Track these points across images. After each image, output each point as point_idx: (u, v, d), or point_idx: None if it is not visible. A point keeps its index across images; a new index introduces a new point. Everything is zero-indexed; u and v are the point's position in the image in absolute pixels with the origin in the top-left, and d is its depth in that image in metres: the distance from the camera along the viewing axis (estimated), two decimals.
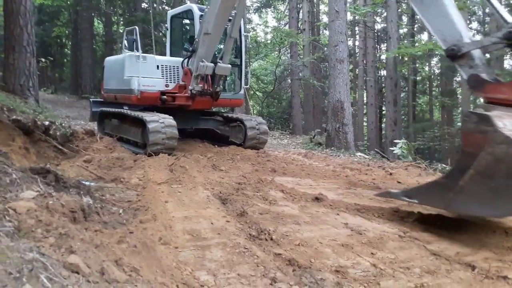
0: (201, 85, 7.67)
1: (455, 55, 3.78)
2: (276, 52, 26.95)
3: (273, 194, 4.90)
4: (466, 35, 3.79)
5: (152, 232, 3.04)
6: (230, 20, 7.66)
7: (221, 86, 8.03)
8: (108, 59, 9.56)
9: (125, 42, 8.05)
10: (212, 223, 3.59)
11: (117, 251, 2.28)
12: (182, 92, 7.90)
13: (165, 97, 7.84)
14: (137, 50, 7.72)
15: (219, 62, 7.73)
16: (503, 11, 3.54)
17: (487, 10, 21.95)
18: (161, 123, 6.96)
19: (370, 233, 3.59)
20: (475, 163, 3.09)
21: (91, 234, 2.50)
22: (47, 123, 7.05)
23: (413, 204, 4.19)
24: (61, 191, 3.21)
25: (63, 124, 7.92)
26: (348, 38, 19.94)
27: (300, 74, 21.99)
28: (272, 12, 32.63)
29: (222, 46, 8.18)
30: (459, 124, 23.31)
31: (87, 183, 4.49)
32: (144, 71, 7.75)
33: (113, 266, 2.04)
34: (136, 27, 7.99)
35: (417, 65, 26.41)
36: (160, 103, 7.86)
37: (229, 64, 8.07)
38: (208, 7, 7.40)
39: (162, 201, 4.14)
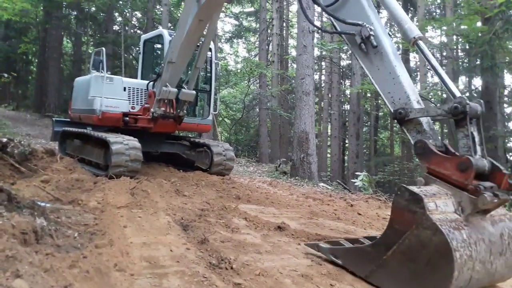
0: (163, 109, 7.64)
1: (402, 119, 3.68)
2: (246, 81, 27.39)
3: (236, 221, 4.87)
4: (415, 98, 3.75)
5: (107, 258, 2.94)
6: (197, 47, 7.73)
7: (185, 111, 8.00)
8: (78, 79, 9.46)
9: (92, 62, 8.00)
10: (171, 250, 3.51)
11: (68, 276, 2.19)
12: (146, 115, 7.85)
13: (127, 118, 7.78)
14: (103, 71, 7.68)
15: (184, 88, 7.77)
16: (452, 85, 3.56)
17: (444, 53, 23.40)
18: (125, 145, 6.83)
19: (329, 264, 3.61)
20: (400, 241, 3.06)
21: (42, 257, 2.39)
22: (4, 140, 6.75)
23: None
24: (13, 211, 3.07)
25: (22, 142, 7.60)
26: (315, 72, 20.61)
27: (268, 104, 22.37)
28: (243, 43, 33.40)
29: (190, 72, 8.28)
30: (418, 160, 24.21)
31: (42, 204, 4.30)
32: (109, 92, 7.69)
33: None
34: (103, 48, 7.98)
35: (379, 101, 27.50)
36: (122, 124, 7.80)
37: (195, 90, 8.14)
38: (174, 35, 7.51)
39: (121, 226, 4.02)
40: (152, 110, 7.68)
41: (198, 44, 7.71)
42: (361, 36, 4.02)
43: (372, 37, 3.94)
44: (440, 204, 3.01)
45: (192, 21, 6.86)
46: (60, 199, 5.06)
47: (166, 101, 7.63)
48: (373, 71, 4.05)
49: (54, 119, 10.24)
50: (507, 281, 3.38)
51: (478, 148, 3.23)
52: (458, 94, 3.44)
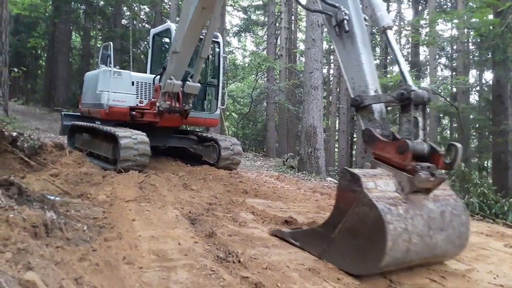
0: (168, 102, 7.62)
1: (358, 106, 3.88)
2: (253, 76, 27.33)
3: (244, 215, 4.89)
4: (373, 87, 3.89)
5: (116, 251, 2.97)
6: (201, 39, 7.67)
7: (191, 105, 7.96)
8: (87, 73, 9.55)
9: (100, 56, 8.04)
10: (179, 244, 3.53)
11: (78, 269, 2.21)
12: (152, 109, 7.87)
13: (134, 113, 7.81)
14: (110, 65, 7.71)
15: (189, 81, 7.73)
16: (408, 75, 3.72)
17: (454, 47, 23.12)
18: (133, 139, 6.88)
19: None
20: (344, 219, 3.31)
21: (52, 250, 2.42)
22: (14, 134, 6.83)
23: None
24: (24, 205, 3.11)
25: (32, 136, 7.69)
26: (323, 66, 20.47)
27: (276, 98, 22.32)
28: (251, 36, 33.27)
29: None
30: None
31: (52, 197, 4.36)
32: (117, 87, 7.72)
33: (72, 285, 1.98)
34: (111, 43, 8.00)
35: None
36: (129, 118, 7.82)
37: (203, 84, 8.12)
38: (177, 25, 7.48)
39: (129, 219, 4.05)
40: (157, 104, 7.68)
41: (202, 36, 7.64)
42: (336, 19, 4.17)
43: (345, 22, 4.10)
44: (381, 184, 3.29)
45: (194, 9, 6.79)
46: (69, 193, 5.12)
47: (171, 94, 7.61)
48: (343, 54, 4.22)
49: (63, 113, 10.33)
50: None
51: (421, 132, 3.49)
52: (410, 83, 3.61)
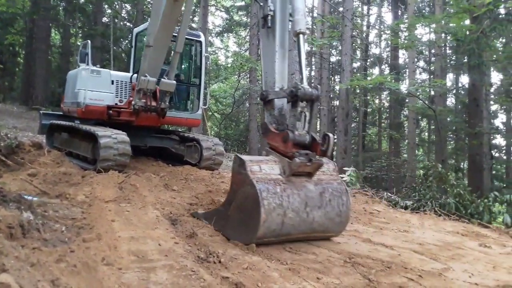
0: (144, 101, 7.40)
1: (264, 100, 4.31)
2: (236, 76, 27.30)
3: None
4: (279, 85, 4.30)
5: (95, 252, 2.93)
6: (174, 36, 7.49)
7: (167, 103, 7.70)
8: (70, 72, 9.43)
9: (79, 55, 7.92)
10: (159, 244, 3.51)
11: (55, 271, 2.18)
12: (129, 108, 7.74)
13: (110, 111, 7.69)
14: (88, 64, 7.61)
15: (164, 78, 7.49)
16: (305, 75, 4.18)
17: (432, 51, 23.64)
18: (113, 139, 6.78)
19: (317, 257, 3.66)
20: (236, 197, 3.90)
21: (28, 251, 2.37)
22: None
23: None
24: None
25: (9, 135, 7.53)
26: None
27: (258, 99, 22.33)
28: (234, 37, 33.24)
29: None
30: (405, 155, 24.52)
31: (29, 197, 4.27)
32: (95, 85, 7.61)
33: (49, 287, 1.95)
34: (89, 41, 7.91)
35: (368, 97, 27.70)
36: (107, 117, 7.70)
37: (185, 84, 8.00)
38: (149, 18, 7.36)
39: (109, 220, 4.00)
40: (132, 102, 7.52)
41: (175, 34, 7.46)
42: (263, 11, 4.50)
43: (269, 17, 4.44)
44: (265, 168, 3.83)
45: (166, 1, 6.58)
46: (48, 193, 5.03)
47: (147, 92, 7.36)
48: (263, 46, 4.67)
49: (41, 112, 10.12)
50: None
51: (307, 125, 3.99)
52: (304, 83, 4.05)
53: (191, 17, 29.09)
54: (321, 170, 4.09)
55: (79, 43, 22.22)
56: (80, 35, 25.44)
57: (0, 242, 2.11)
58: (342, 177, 10.08)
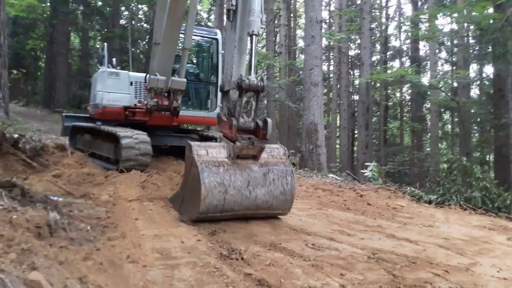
0: (155, 100, 7.35)
1: (221, 91, 4.80)
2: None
3: None
4: (234, 78, 4.57)
5: (120, 250, 2.98)
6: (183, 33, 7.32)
7: (179, 102, 7.54)
8: (94, 75, 9.59)
9: (97, 58, 8.09)
10: (182, 242, 3.54)
11: (82, 269, 2.22)
12: (143, 108, 7.74)
13: (126, 112, 7.79)
14: (105, 65, 7.77)
15: (175, 76, 7.37)
16: (253, 69, 4.46)
17: (455, 42, 23.06)
18: (134, 139, 6.87)
19: (340, 253, 3.63)
20: (187, 179, 4.38)
21: (56, 250, 2.43)
22: (16, 136, 6.84)
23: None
24: (27, 206, 3.12)
25: (33, 138, 7.70)
26: (323, 63, 20.44)
27: (276, 96, 22.28)
28: None
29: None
30: (428, 149, 24.05)
31: (55, 198, 4.37)
32: (114, 87, 7.74)
33: (77, 284, 1.99)
34: (105, 44, 8.03)
35: (389, 91, 27.26)
36: (124, 118, 7.81)
37: (202, 82, 7.95)
38: (155, 15, 7.32)
39: (132, 219, 4.07)
40: (144, 102, 7.55)
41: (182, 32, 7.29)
42: (227, 4, 4.83)
43: (231, 12, 4.74)
44: (213, 152, 4.25)
45: None
46: (72, 193, 5.14)
47: (158, 92, 7.30)
48: (227, 38, 4.99)
49: (63, 114, 10.35)
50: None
51: (253, 113, 4.41)
52: (252, 76, 4.38)
53: (207, 15, 29.23)
54: (270, 154, 4.51)
55: (97, 46, 22.62)
56: (98, 37, 25.87)
57: (29, 241, 2.17)
58: (364, 173, 9.96)
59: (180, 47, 7.63)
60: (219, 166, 4.13)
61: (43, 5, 22.91)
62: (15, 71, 11.89)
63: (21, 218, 2.59)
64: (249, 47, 4.60)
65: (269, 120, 4.37)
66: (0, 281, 1.59)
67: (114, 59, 9.63)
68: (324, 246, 3.84)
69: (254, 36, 4.53)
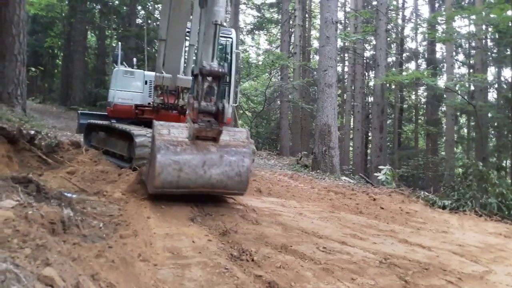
0: (162, 98, 7.38)
1: (192, 74, 4.96)
2: (267, 74, 27.28)
3: (255, 215, 4.88)
4: (205, 62, 4.64)
5: (131, 248, 3.00)
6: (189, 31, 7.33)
7: (186, 100, 7.43)
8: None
9: (113, 57, 8.25)
10: (193, 242, 3.55)
11: (95, 266, 2.25)
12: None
13: (136, 110, 7.94)
14: (120, 64, 7.95)
15: (182, 74, 7.37)
16: (215, 55, 4.65)
17: (472, 43, 22.68)
18: (148, 137, 6.90)
19: (351, 257, 3.59)
20: (150, 156, 4.66)
21: (69, 247, 2.46)
22: (32, 132, 6.96)
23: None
24: (42, 202, 3.17)
25: (49, 135, 7.83)
26: (338, 64, 20.29)
27: (290, 96, 22.23)
28: (265, 34, 33.20)
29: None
30: (443, 153, 23.69)
31: (69, 195, 4.43)
32: (129, 86, 7.90)
33: (89, 281, 2.01)
34: (119, 43, 8.18)
35: (404, 93, 26.95)
36: (134, 116, 7.95)
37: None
38: (160, 11, 7.35)
39: (144, 217, 4.10)
40: (151, 100, 7.64)
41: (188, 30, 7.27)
42: None
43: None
44: (174, 132, 4.47)
45: None
46: (86, 190, 5.20)
47: (164, 90, 7.31)
48: (201, 24, 5.13)
49: (79, 112, 10.49)
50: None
51: (216, 97, 4.57)
52: (214, 62, 4.60)
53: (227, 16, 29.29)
54: (233, 137, 4.67)
55: (114, 45, 22.88)
56: (115, 36, 26.17)
57: (44, 237, 2.20)
58: (377, 176, 9.87)
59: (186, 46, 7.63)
60: (177, 146, 4.33)
61: (62, 4, 23.29)
62: (33, 69, 12.11)
63: (36, 214, 2.63)
64: (212, 35, 4.70)
65: (226, 105, 4.51)
66: (15, 276, 1.62)
67: (134, 59, 9.76)
68: (335, 249, 3.81)
69: (217, 26, 4.68)
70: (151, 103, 7.62)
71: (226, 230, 3.93)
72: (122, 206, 4.52)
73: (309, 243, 3.93)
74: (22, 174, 4.44)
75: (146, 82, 8.07)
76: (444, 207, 7.27)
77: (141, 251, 3.06)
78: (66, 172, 6.10)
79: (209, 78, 4.52)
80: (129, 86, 7.93)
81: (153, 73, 8.56)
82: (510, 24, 12.98)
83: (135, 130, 7.05)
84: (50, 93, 28.65)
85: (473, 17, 16.78)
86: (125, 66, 8.52)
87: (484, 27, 18.71)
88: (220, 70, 4.55)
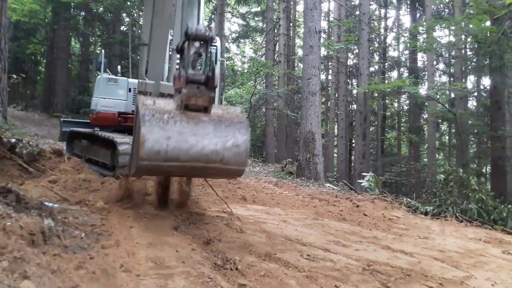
0: None
1: (177, 51, 4.53)
2: (252, 82, 27.38)
3: (239, 223, 4.88)
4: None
5: (113, 259, 2.97)
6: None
7: None
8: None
9: (95, 64, 8.22)
10: (177, 251, 3.53)
11: (75, 278, 2.21)
12: None
13: (119, 118, 7.89)
14: (103, 72, 7.92)
15: (165, 81, 7.20)
16: (202, 19, 4.47)
17: (452, 53, 23.21)
18: (131, 145, 6.85)
19: (335, 265, 3.62)
20: (134, 133, 4.17)
21: (49, 258, 2.42)
22: (13, 140, 6.83)
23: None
24: (22, 212, 3.11)
25: (31, 143, 7.70)
26: (321, 72, 20.54)
27: (275, 104, 22.36)
28: (250, 43, 33.40)
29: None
30: (426, 159, 24.07)
31: (50, 204, 4.35)
32: (112, 93, 7.85)
33: None
34: (103, 50, 8.13)
35: (386, 101, 27.37)
36: (117, 123, 7.91)
37: None
38: (143, 14, 7.31)
39: (127, 226, 4.05)
40: (134, 107, 7.60)
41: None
42: None
43: None
44: (161, 103, 3.99)
45: None
46: (68, 199, 5.11)
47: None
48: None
49: (61, 119, 10.35)
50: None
51: (204, 65, 4.11)
52: (200, 26, 4.15)
53: (207, 23, 29.38)
54: (226, 111, 4.20)
55: (98, 51, 22.68)
56: (99, 43, 25.95)
57: (22, 249, 2.16)
58: (361, 183, 9.98)
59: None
60: (164, 113, 3.81)
61: (45, 10, 23.02)
62: (14, 76, 11.89)
63: (15, 225, 2.58)
64: (199, 3, 4.57)
65: (216, 69, 4.10)
66: None
67: (119, 66, 9.71)
68: (319, 257, 3.83)
69: None
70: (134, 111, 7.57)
71: (210, 239, 3.91)
72: (105, 215, 4.46)
73: (293, 251, 3.95)
74: (1, 184, 4.35)
75: (130, 90, 8.03)
76: (426, 213, 7.39)
77: (123, 261, 3.02)
78: (48, 181, 5.99)
79: (196, 44, 4.09)
80: (112, 94, 7.88)
81: (136, 81, 8.54)
82: (488, 35, 13.34)
83: (118, 138, 6.98)
84: (32, 100, 28.16)
85: (453, 27, 17.21)
86: (109, 74, 8.47)
87: (463, 37, 19.21)
88: (208, 33, 4.09)
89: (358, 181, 11.53)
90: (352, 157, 26.41)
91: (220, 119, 4.03)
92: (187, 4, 4.59)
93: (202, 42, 4.04)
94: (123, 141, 6.87)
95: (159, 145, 3.68)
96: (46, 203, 4.16)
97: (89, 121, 9.05)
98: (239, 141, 3.99)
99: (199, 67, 4.16)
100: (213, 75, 4.03)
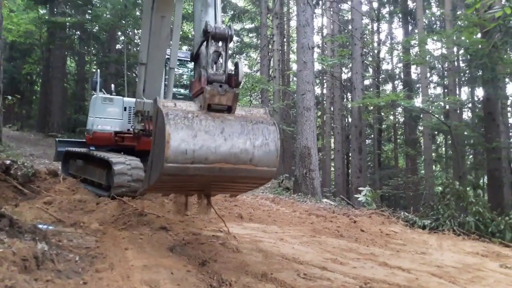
0: (142, 124, 7.26)
1: (192, 59, 4.47)
2: (248, 97, 27.53)
3: (236, 243, 4.85)
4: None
5: (107, 283, 2.93)
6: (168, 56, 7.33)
7: None
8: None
9: (91, 84, 8.21)
10: (172, 273, 3.49)
11: None
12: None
13: (116, 137, 7.81)
14: (98, 91, 7.88)
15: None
16: (219, 16, 4.32)
17: (446, 64, 23.48)
18: (127, 165, 6.83)
19: (332, 283, 3.59)
20: (154, 138, 3.91)
21: (41, 284, 2.39)
22: (8, 162, 6.82)
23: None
24: (15, 237, 3.08)
25: (25, 164, 7.67)
26: (316, 87, 20.69)
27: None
28: (245, 59, 33.69)
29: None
30: (423, 172, 24.11)
31: (44, 227, 4.32)
32: (107, 113, 7.81)
33: None
34: (98, 70, 8.14)
35: (382, 114, 27.53)
36: (114, 143, 7.83)
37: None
38: (140, 34, 7.31)
39: (122, 248, 4.02)
40: (132, 126, 7.54)
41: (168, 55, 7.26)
42: None
43: None
44: (182, 105, 3.75)
45: (154, 18, 6.36)
46: (63, 221, 5.08)
47: (145, 115, 7.20)
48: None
49: (57, 139, 10.33)
50: None
51: (224, 64, 3.91)
52: (218, 24, 4.12)
53: None
54: (249, 112, 3.95)
55: (93, 70, 22.79)
56: (94, 62, 26.10)
57: (13, 277, 2.14)
58: (358, 198, 9.95)
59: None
60: (188, 113, 3.59)
61: (40, 30, 23.19)
62: (9, 97, 11.91)
63: (7, 251, 2.56)
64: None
65: (240, 62, 3.90)
66: None
67: (112, 85, 9.74)
68: (316, 275, 3.80)
69: None
70: (132, 130, 7.56)
71: (206, 260, 3.88)
72: (99, 237, 4.43)
73: (290, 270, 3.92)
74: None
75: (125, 109, 8.03)
76: (424, 227, 7.36)
77: (118, 285, 2.99)
78: (43, 202, 5.96)
79: (215, 43, 3.90)
80: (108, 113, 7.86)
81: (132, 100, 8.55)
82: (478, 47, 13.53)
83: (113, 157, 6.97)
84: (28, 119, 28.12)
85: (444, 40, 17.46)
86: (104, 93, 8.49)
87: (455, 49, 19.47)
88: (228, 31, 3.94)
89: (355, 196, 11.50)
90: (350, 170, 26.42)
91: (245, 118, 3.80)
92: (205, 5, 4.49)
93: (221, 40, 3.90)
94: (119, 161, 6.85)
95: (185, 143, 3.43)
96: (40, 226, 4.13)
97: (84, 140, 9.04)
98: (269, 140, 3.77)
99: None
100: (236, 70, 3.80)
